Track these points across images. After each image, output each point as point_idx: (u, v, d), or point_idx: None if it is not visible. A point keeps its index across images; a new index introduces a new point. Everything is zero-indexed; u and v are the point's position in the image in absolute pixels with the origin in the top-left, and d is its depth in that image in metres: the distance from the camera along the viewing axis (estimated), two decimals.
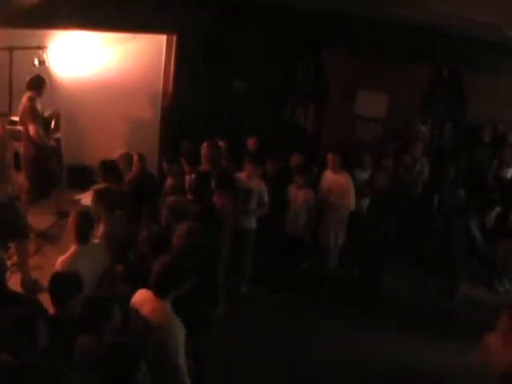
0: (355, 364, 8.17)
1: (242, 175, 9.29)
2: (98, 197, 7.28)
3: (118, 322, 4.99)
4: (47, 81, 10.30)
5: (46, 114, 10.84)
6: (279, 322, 8.90)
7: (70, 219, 6.50)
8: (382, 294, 9.66)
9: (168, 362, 5.10)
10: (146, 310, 5.20)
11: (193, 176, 8.88)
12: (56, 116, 10.93)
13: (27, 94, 9.94)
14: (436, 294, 10.28)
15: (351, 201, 9.49)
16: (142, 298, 5.39)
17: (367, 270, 9.89)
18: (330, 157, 9.61)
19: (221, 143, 10.36)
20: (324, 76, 12.80)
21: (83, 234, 6.40)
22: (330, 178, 9.63)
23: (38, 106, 10.02)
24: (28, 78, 10.11)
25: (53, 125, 11.02)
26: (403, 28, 10.98)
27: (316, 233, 9.72)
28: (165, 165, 9.55)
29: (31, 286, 8.38)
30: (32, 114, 9.83)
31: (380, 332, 9.00)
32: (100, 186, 7.73)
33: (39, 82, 10.07)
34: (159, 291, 5.24)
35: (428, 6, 8.04)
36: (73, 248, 6.36)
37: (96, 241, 6.82)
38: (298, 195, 9.54)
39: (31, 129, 9.79)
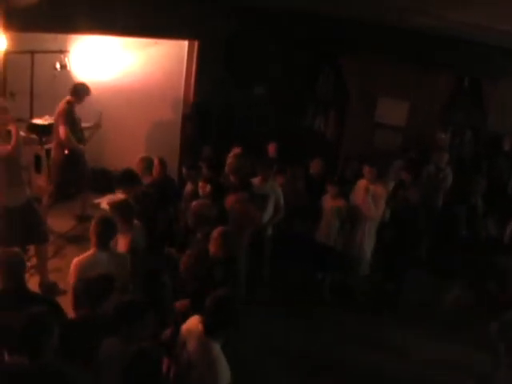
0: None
1: (255, 181, 9.30)
2: (115, 210, 7.25)
3: (151, 328, 4.98)
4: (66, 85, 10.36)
5: (89, 124, 10.94)
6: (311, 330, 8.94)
7: (92, 225, 6.49)
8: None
9: None
10: (193, 346, 5.04)
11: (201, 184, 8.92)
12: (98, 126, 10.93)
13: (67, 98, 10.06)
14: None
15: (381, 211, 9.57)
16: (191, 328, 5.17)
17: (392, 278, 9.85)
18: (366, 169, 9.62)
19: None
20: (344, 83, 12.77)
21: (103, 239, 6.37)
22: (366, 188, 9.58)
23: (76, 112, 10.09)
24: (74, 84, 10.30)
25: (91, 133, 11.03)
26: (424, 36, 10.96)
27: (348, 242, 9.70)
28: (184, 170, 9.55)
29: (50, 288, 8.40)
30: (65, 116, 9.95)
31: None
32: (115, 198, 7.70)
33: (83, 91, 10.24)
34: (210, 332, 5.00)
35: (448, 14, 8.00)
36: (90, 251, 6.37)
37: (114, 249, 6.75)
38: (331, 205, 9.54)
39: (61, 131, 9.91)
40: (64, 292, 7.75)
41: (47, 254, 8.95)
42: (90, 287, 5.37)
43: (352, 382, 8.00)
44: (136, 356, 4.35)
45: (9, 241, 7.69)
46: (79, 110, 10.53)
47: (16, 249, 6.04)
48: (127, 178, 8.47)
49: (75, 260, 6.24)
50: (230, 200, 8.55)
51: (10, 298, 5.43)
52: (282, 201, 9.32)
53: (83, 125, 10.75)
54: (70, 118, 10.03)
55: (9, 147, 7.80)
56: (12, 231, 8.04)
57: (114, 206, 7.31)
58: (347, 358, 8.36)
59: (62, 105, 10.06)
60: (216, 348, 4.96)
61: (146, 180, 9.00)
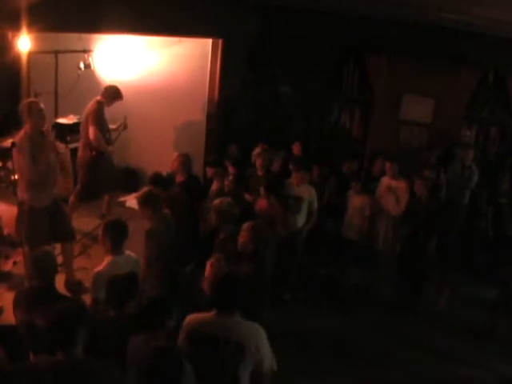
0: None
1: (291, 181, 9.24)
2: (141, 201, 7.26)
3: (173, 324, 4.98)
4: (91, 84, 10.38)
5: (116, 125, 10.96)
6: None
7: (101, 229, 6.49)
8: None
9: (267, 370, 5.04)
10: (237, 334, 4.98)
11: (227, 182, 8.91)
12: (124, 127, 10.93)
13: (97, 98, 10.10)
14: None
15: (403, 207, 9.56)
16: (214, 321, 5.07)
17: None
18: (388, 165, 9.67)
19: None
20: (369, 81, 12.70)
21: (116, 243, 6.34)
22: (389, 184, 9.61)
23: (105, 113, 10.11)
24: (106, 85, 10.40)
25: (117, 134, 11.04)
26: (449, 32, 10.87)
27: (372, 238, 9.71)
28: (210, 168, 9.52)
29: (75, 286, 8.43)
30: (94, 117, 9.96)
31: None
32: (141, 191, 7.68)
33: (115, 94, 10.28)
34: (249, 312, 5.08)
35: (472, 10, 7.93)
36: (107, 259, 6.33)
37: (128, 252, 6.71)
38: (355, 201, 9.52)
39: (90, 131, 9.92)
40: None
41: (73, 253, 9.00)
42: (116, 287, 5.35)
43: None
44: (158, 353, 4.31)
45: (36, 240, 7.81)
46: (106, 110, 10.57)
47: (49, 248, 6.06)
48: (162, 181, 8.52)
49: (95, 271, 6.19)
50: (260, 203, 8.53)
51: (37, 296, 5.45)
52: (315, 204, 9.30)
53: (109, 126, 10.76)
54: (99, 118, 10.03)
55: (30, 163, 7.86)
56: (39, 230, 8.09)
57: (139, 198, 7.33)
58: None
59: (91, 105, 10.05)
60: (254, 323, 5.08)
61: (179, 178, 9.02)
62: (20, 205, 8.13)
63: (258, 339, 4.98)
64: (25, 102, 8.25)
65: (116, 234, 6.35)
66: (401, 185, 9.58)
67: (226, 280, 5.15)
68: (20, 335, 5.57)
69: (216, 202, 7.49)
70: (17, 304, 5.64)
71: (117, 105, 10.63)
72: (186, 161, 9.18)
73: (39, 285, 5.57)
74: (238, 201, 7.95)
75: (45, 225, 8.19)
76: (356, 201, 9.64)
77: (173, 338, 4.95)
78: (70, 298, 5.86)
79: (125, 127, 10.92)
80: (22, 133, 7.97)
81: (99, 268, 6.20)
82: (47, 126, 8.16)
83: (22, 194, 8.04)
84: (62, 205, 8.80)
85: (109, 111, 10.51)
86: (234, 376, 4.91)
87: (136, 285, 5.46)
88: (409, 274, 9.62)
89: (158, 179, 8.49)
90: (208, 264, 6.16)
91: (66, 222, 8.78)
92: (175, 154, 9.37)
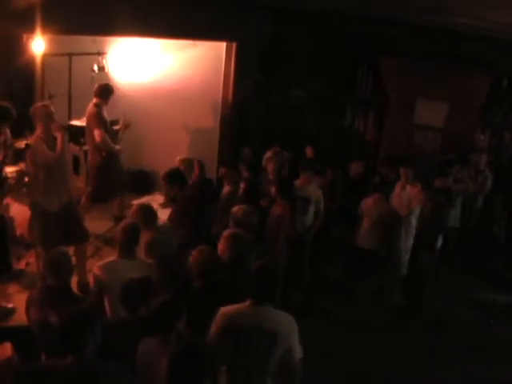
0: None
1: (298, 183, 9.23)
2: (140, 213, 7.20)
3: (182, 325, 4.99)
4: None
5: (119, 124, 10.94)
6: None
7: (117, 231, 6.50)
8: None
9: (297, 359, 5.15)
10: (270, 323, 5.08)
11: (243, 185, 8.91)
12: (127, 126, 10.91)
13: (94, 100, 10.07)
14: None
15: (416, 212, 9.49)
16: (249, 311, 5.14)
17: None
18: (402, 170, 9.62)
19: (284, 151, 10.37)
20: (383, 84, 12.68)
21: (125, 247, 6.33)
22: (403, 190, 9.56)
23: (105, 112, 10.13)
24: (97, 85, 10.25)
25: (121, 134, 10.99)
26: (463, 36, 10.87)
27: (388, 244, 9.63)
28: (223, 171, 9.52)
29: (87, 287, 8.43)
30: (97, 119, 9.94)
31: None
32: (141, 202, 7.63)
33: (107, 91, 10.21)
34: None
35: (486, 14, 7.91)
36: (112, 257, 6.36)
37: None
38: (372, 208, 9.47)
39: (96, 134, 9.91)
40: None
41: (86, 255, 9.05)
42: (130, 290, 5.36)
43: None
44: (183, 352, 4.30)
45: (49, 242, 7.87)
46: (114, 111, 10.59)
47: (64, 248, 6.08)
48: (178, 178, 8.52)
49: (97, 265, 6.24)
50: (275, 209, 8.51)
51: (52, 295, 5.47)
52: (322, 205, 9.26)
53: (114, 127, 10.78)
54: (101, 120, 10.04)
55: (51, 155, 7.95)
56: (52, 233, 8.17)
57: (135, 209, 7.30)
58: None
59: (91, 108, 10.04)
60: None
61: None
62: (33, 208, 8.19)
63: (290, 328, 5.09)
64: (35, 106, 8.32)
65: (125, 237, 6.34)
66: (414, 190, 9.50)
67: (262, 272, 5.21)
68: (32, 335, 5.61)
69: (234, 210, 7.46)
70: (31, 303, 5.66)
71: (130, 107, 10.66)
72: (189, 165, 9.20)
73: (55, 284, 5.58)
74: (254, 207, 7.94)
75: (57, 227, 8.24)
76: (373, 207, 9.55)
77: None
78: (85, 298, 5.83)
79: (126, 126, 10.85)
80: (34, 136, 8.06)
81: (101, 263, 6.30)
82: (63, 132, 8.20)
83: (34, 197, 8.12)
84: (75, 206, 8.88)
85: (120, 112, 10.61)
86: (266, 364, 5.04)
87: (150, 290, 5.45)
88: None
89: (174, 176, 8.50)
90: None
91: (79, 223, 8.82)
92: (178, 159, 9.37)
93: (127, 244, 6.32)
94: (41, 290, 5.85)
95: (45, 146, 7.93)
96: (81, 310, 4.58)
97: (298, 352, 5.12)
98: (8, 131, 9.19)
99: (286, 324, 5.09)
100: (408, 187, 9.50)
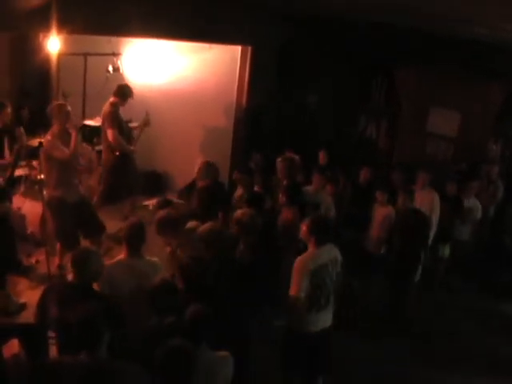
0: None
1: (309, 188, 9.21)
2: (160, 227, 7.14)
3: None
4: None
5: (137, 123, 10.92)
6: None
7: (123, 229, 6.44)
8: None
9: None
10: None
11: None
12: (146, 123, 10.86)
13: (111, 100, 10.10)
14: None
15: (435, 220, 9.42)
16: None
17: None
18: (419, 175, 9.60)
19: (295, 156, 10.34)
20: (396, 93, 12.67)
21: (132, 246, 6.21)
22: (418, 196, 9.46)
23: (121, 113, 10.17)
24: (117, 85, 10.30)
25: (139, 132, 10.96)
26: (476, 46, 10.86)
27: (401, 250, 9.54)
28: (237, 174, 9.53)
29: None
30: (112, 119, 9.97)
31: None
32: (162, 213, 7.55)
33: (126, 92, 10.24)
34: None
35: (501, 24, 7.90)
36: (120, 256, 6.29)
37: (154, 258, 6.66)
38: (379, 213, 9.46)
39: (109, 134, 9.94)
40: None
41: (102, 246, 9.10)
42: (157, 296, 5.33)
43: None
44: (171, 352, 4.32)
45: (67, 234, 8.37)
46: (130, 111, 10.63)
47: (92, 248, 6.10)
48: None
49: (106, 264, 6.09)
50: (283, 215, 8.49)
51: (72, 293, 5.44)
52: (332, 212, 9.17)
53: (131, 125, 10.82)
54: (116, 119, 10.06)
55: (67, 152, 8.08)
56: (69, 225, 8.45)
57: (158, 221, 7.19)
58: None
59: (107, 107, 10.07)
60: None
61: (200, 183, 8.93)
62: (49, 202, 8.29)
63: None
64: (54, 104, 8.52)
65: (132, 236, 6.20)
66: (429, 196, 9.48)
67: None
68: (40, 332, 5.62)
69: (238, 213, 7.43)
70: (49, 299, 5.64)
71: (144, 108, 10.70)
72: (207, 168, 9.14)
73: (76, 281, 5.55)
74: (259, 211, 7.93)
75: (74, 218, 8.43)
76: (379, 212, 9.51)
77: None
78: (106, 297, 5.78)
79: (146, 124, 10.73)
80: (50, 132, 8.21)
81: (108, 261, 6.24)
82: (77, 131, 8.31)
83: (51, 190, 8.27)
84: (89, 200, 9.16)
85: (136, 113, 10.66)
86: None
87: (174, 296, 5.40)
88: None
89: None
90: None
91: (95, 215, 9.03)
92: (198, 161, 9.33)
93: (134, 242, 6.26)
94: (61, 287, 5.84)
95: (59, 142, 8.09)
96: (97, 307, 4.58)
97: None
98: (22, 130, 9.30)
99: None
100: (423, 194, 9.45)
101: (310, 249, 6.45)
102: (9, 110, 9.14)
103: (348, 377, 7.69)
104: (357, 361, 8.12)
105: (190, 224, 7.26)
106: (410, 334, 8.97)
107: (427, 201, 9.41)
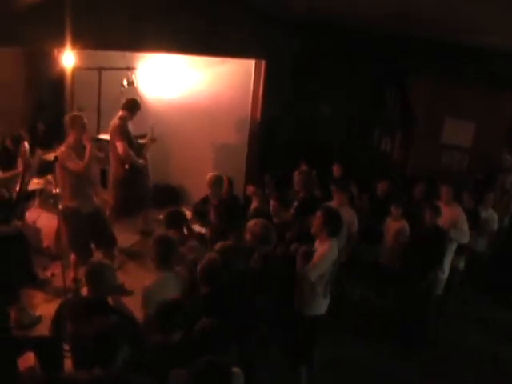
0: None
1: (331, 204, 9.07)
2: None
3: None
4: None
5: (146, 138, 10.88)
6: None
7: (151, 245, 6.39)
8: None
9: None
10: None
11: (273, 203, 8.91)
12: (153, 140, 10.87)
13: (120, 114, 10.12)
14: None
15: (465, 234, 9.32)
16: None
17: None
18: (443, 189, 9.48)
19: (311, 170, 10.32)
20: (411, 104, 12.65)
21: (163, 259, 6.22)
22: (443, 210, 9.25)
23: (130, 126, 10.20)
24: (125, 99, 10.33)
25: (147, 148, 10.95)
26: (491, 56, 10.84)
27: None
28: (250, 188, 9.53)
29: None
30: (121, 132, 9.98)
31: None
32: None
33: (134, 105, 10.27)
34: None
35: None
36: (157, 276, 6.21)
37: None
38: (391, 227, 9.42)
39: (119, 147, 9.94)
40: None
41: (115, 260, 9.16)
42: (162, 314, 5.31)
43: None
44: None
45: (81, 245, 8.46)
46: (142, 127, 10.67)
47: (109, 262, 6.11)
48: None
49: (144, 287, 6.04)
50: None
51: (88, 307, 5.44)
52: (355, 226, 9.05)
53: (141, 141, 10.81)
54: (126, 133, 10.08)
55: (80, 164, 8.15)
56: (84, 236, 8.54)
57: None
58: None
59: (115, 121, 10.07)
60: None
61: (214, 198, 8.88)
62: (64, 214, 8.34)
63: None
64: (70, 115, 8.58)
65: (161, 250, 6.21)
66: (454, 211, 9.31)
67: None
68: (55, 346, 5.63)
69: (251, 223, 7.43)
70: (64, 314, 5.65)
71: (158, 122, 10.74)
72: (219, 182, 9.08)
73: (91, 296, 5.57)
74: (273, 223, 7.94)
75: (88, 228, 8.49)
76: (392, 227, 9.46)
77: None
78: (122, 312, 5.77)
79: (153, 140, 10.74)
80: (66, 143, 8.25)
81: (147, 284, 6.09)
82: (92, 143, 8.37)
83: (66, 200, 8.32)
84: (103, 212, 9.20)
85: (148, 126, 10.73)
86: None
87: (181, 313, 5.37)
88: None
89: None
90: None
91: (108, 227, 9.09)
92: (209, 175, 9.21)
93: (164, 256, 6.22)
94: (76, 301, 5.86)
95: (74, 154, 8.14)
96: (114, 323, 4.58)
97: None
98: (26, 145, 9.39)
99: None
100: (448, 208, 9.30)
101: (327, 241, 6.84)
102: (27, 145, 9.35)
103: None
104: (367, 367, 8.27)
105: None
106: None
107: (453, 216, 9.23)
